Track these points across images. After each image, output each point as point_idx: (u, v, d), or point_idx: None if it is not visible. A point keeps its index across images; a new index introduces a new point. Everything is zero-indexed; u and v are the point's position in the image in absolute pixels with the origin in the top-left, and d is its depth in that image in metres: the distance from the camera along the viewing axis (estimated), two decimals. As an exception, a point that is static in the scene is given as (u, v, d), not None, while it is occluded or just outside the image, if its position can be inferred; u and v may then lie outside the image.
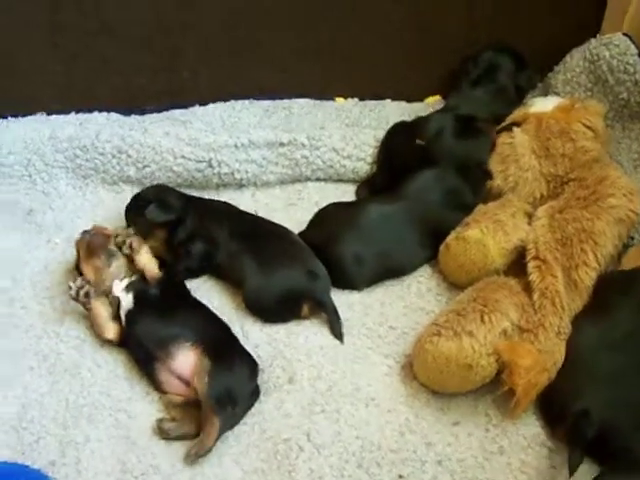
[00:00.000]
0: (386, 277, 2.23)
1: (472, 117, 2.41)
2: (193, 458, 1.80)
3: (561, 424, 1.83)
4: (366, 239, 2.20)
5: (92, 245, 2.12)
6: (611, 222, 2.10)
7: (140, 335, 1.98)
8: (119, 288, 2.07)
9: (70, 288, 2.04)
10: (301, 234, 2.27)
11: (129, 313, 2.02)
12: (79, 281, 2.06)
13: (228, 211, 2.32)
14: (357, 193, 2.50)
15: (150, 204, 2.22)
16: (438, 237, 2.22)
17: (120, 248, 2.11)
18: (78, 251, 2.15)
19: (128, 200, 2.32)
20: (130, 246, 2.09)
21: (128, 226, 2.27)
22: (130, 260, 2.11)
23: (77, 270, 2.17)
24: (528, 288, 2.00)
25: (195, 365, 1.89)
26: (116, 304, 2.05)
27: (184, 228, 2.22)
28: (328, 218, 2.28)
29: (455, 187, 2.30)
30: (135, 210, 2.28)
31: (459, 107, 2.48)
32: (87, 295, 2.04)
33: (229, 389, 1.85)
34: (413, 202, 2.27)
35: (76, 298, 2.04)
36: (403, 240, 2.24)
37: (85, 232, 2.16)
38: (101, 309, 2.05)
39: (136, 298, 2.04)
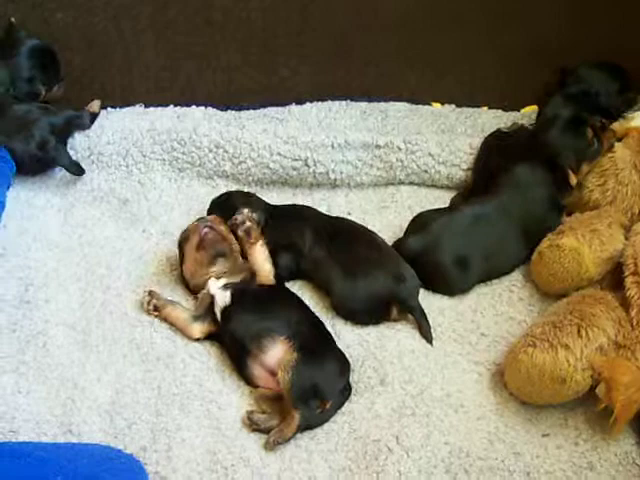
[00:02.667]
0: (488, 279, 2.23)
1: (585, 119, 2.32)
2: (271, 445, 1.83)
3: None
4: (467, 243, 2.19)
5: (206, 238, 2.11)
6: None
7: (235, 330, 1.99)
8: (216, 286, 2.08)
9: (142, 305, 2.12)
10: (399, 241, 2.25)
11: (225, 309, 2.03)
12: (146, 297, 2.11)
13: (310, 216, 2.30)
14: (452, 202, 2.47)
15: (237, 209, 2.17)
16: (532, 233, 2.22)
17: (235, 229, 2.10)
18: (188, 237, 2.14)
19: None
20: (247, 232, 2.08)
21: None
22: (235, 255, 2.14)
23: (179, 248, 2.18)
24: (625, 303, 1.97)
25: (282, 358, 1.90)
26: (209, 301, 2.07)
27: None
28: (426, 224, 2.24)
29: (545, 183, 2.27)
30: (220, 213, 2.24)
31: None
32: (156, 308, 2.10)
33: (315, 384, 1.86)
34: (508, 198, 2.25)
35: (147, 312, 2.11)
36: (503, 239, 2.24)
37: (202, 219, 2.17)
38: (174, 314, 2.09)
39: (234, 295, 2.04)
